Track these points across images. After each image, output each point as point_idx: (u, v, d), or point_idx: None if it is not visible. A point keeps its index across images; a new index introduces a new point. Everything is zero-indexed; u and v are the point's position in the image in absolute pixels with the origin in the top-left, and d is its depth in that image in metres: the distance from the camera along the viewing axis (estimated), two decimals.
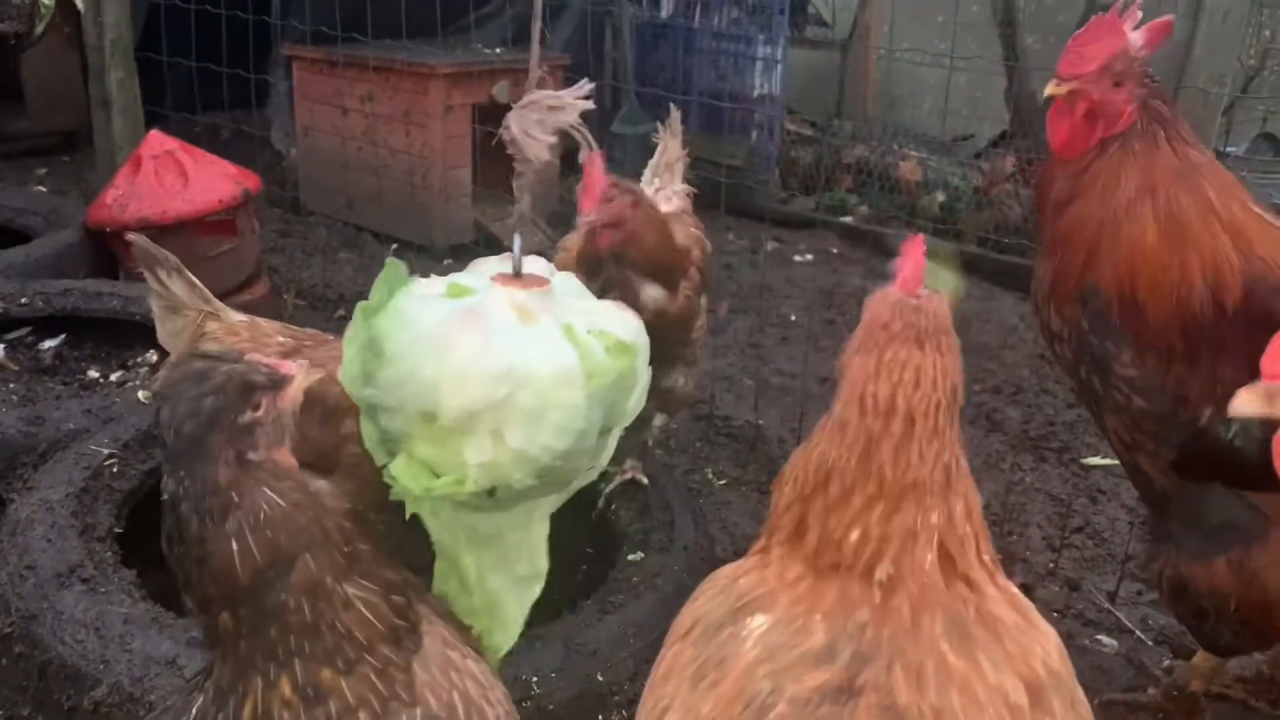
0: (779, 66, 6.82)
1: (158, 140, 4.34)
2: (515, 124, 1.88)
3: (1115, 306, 1.87)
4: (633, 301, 2.41)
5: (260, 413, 1.33)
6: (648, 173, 3.44)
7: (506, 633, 1.83)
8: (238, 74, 5.13)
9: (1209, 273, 1.83)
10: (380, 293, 1.80)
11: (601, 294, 2.35)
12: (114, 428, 2.67)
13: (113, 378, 3.50)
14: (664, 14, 7.24)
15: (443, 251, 5.49)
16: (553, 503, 1.86)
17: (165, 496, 1.28)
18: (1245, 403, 1.48)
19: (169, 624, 2.01)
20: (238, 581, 1.26)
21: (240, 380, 1.32)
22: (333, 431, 2.12)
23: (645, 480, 2.70)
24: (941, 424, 1.24)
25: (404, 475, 1.68)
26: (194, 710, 1.37)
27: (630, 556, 2.42)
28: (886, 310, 1.27)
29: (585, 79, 2.03)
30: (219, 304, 2.40)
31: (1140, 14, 1.95)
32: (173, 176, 4.22)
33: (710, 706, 1.16)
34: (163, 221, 4.15)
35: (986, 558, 1.25)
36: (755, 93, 6.88)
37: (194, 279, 2.37)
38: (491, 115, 5.38)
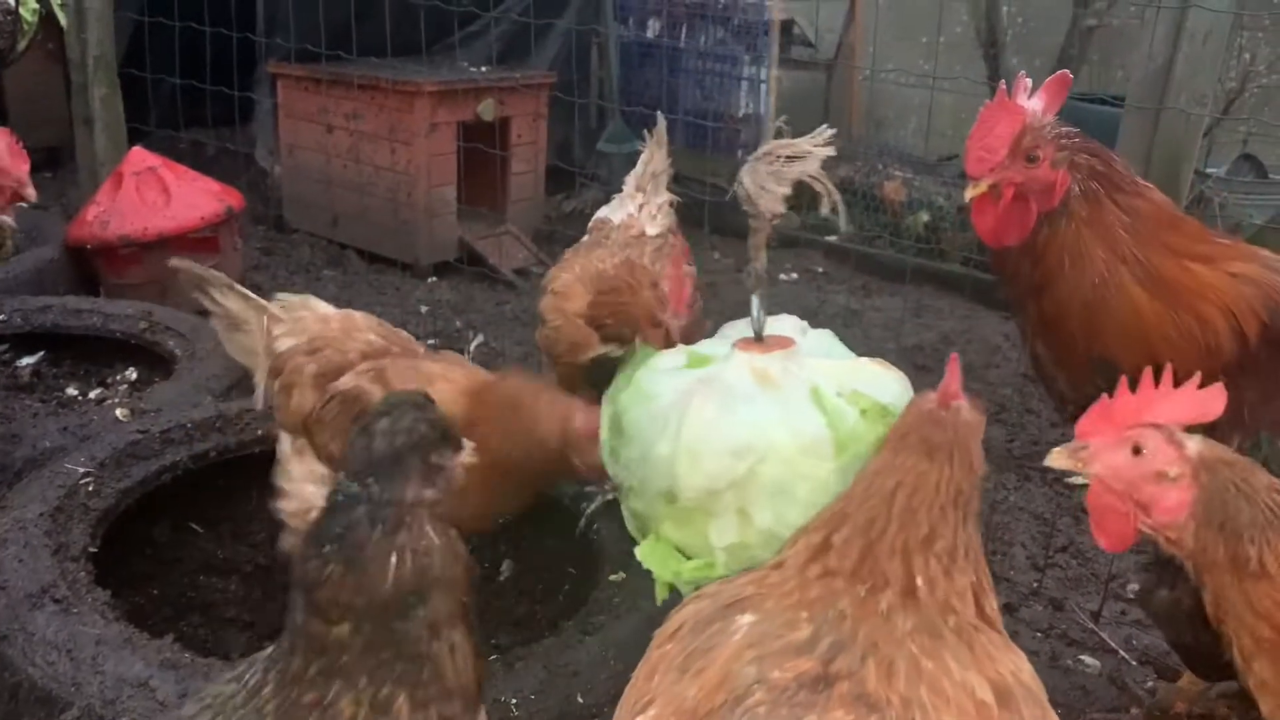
0: (764, 86, 6.85)
1: (140, 157, 4.33)
2: (748, 177, 1.82)
3: (1137, 373, 1.83)
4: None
5: (443, 461, 1.41)
6: (630, 184, 3.41)
7: None
8: (222, 91, 5.12)
9: (1230, 313, 1.79)
10: (625, 374, 1.77)
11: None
12: (91, 446, 2.64)
13: (91, 395, 3.47)
14: (650, 34, 7.27)
15: (427, 270, 5.48)
16: None
17: (340, 498, 1.34)
18: (1057, 460, 1.56)
19: (142, 645, 1.98)
20: (380, 593, 1.31)
21: (445, 426, 1.42)
22: None
23: None
24: (940, 521, 1.31)
25: (651, 559, 1.60)
26: (253, 683, 1.38)
27: (612, 577, 2.40)
28: (910, 420, 1.38)
29: (824, 124, 1.98)
30: (293, 299, 2.35)
31: (1029, 81, 1.86)
32: (155, 193, 4.21)
33: (695, 692, 1.17)
34: (144, 238, 4.13)
35: (988, 610, 1.31)
36: (740, 112, 6.91)
37: (245, 290, 2.34)
38: (477, 133, 5.40)
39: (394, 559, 1.31)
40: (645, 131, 3.41)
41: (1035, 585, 3.15)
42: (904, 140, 7.46)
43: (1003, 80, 1.91)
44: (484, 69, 5.80)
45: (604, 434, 1.73)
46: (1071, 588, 3.18)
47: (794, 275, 5.96)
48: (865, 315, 5.35)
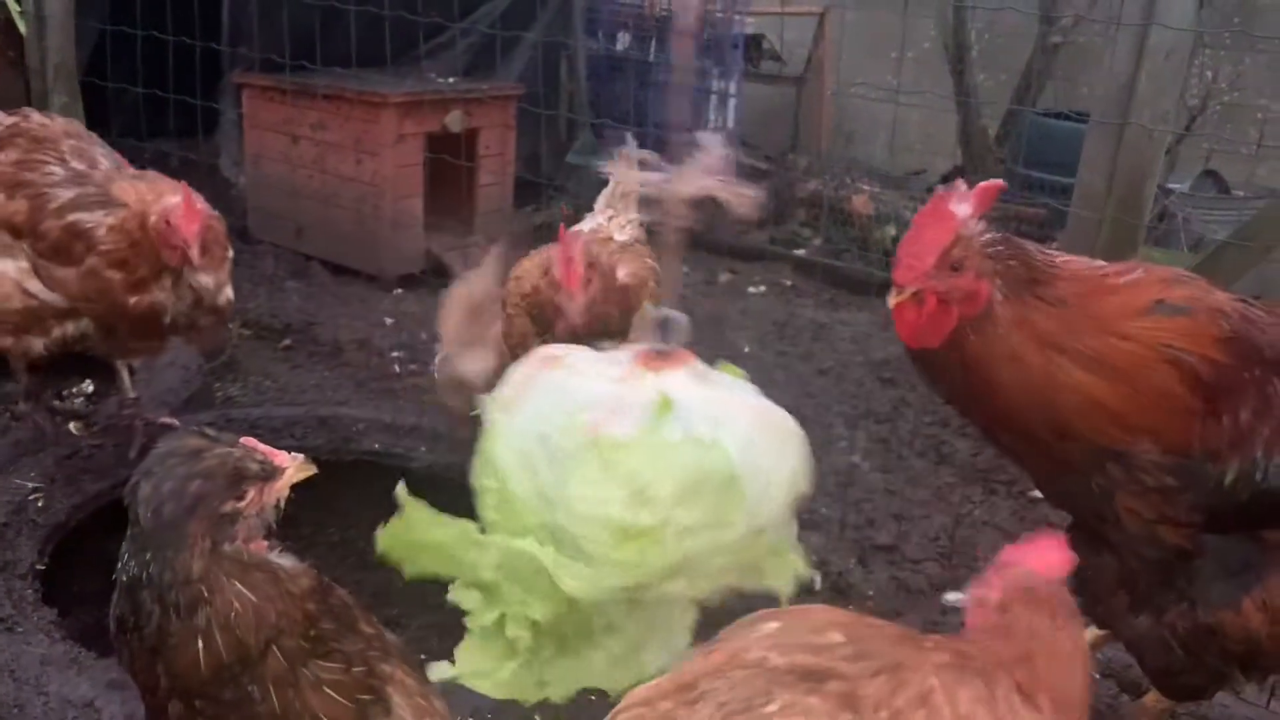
0: (733, 100, 6.87)
1: None
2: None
3: (1111, 444, 1.81)
4: None
5: (244, 503, 1.27)
6: (601, 201, 3.44)
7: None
8: (186, 101, 5.06)
9: (1179, 363, 1.78)
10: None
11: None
12: (41, 460, 2.59)
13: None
14: (619, 47, 7.28)
15: (393, 281, 5.43)
16: None
17: (125, 577, 1.21)
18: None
19: (88, 665, 1.94)
20: (198, 676, 1.20)
21: (232, 467, 1.26)
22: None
23: None
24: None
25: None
26: None
27: None
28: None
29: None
30: None
31: (964, 184, 1.87)
32: None
33: (697, 666, 1.22)
34: None
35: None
36: (710, 126, 6.91)
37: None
38: (444, 145, 5.36)
39: (200, 642, 1.18)
40: (614, 151, 3.44)
41: None
42: (872, 155, 7.51)
43: (939, 189, 1.91)
44: (451, 80, 5.77)
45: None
46: None
47: (762, 288, 5.96)
48: (833, 329, 5.35)
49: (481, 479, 1.64)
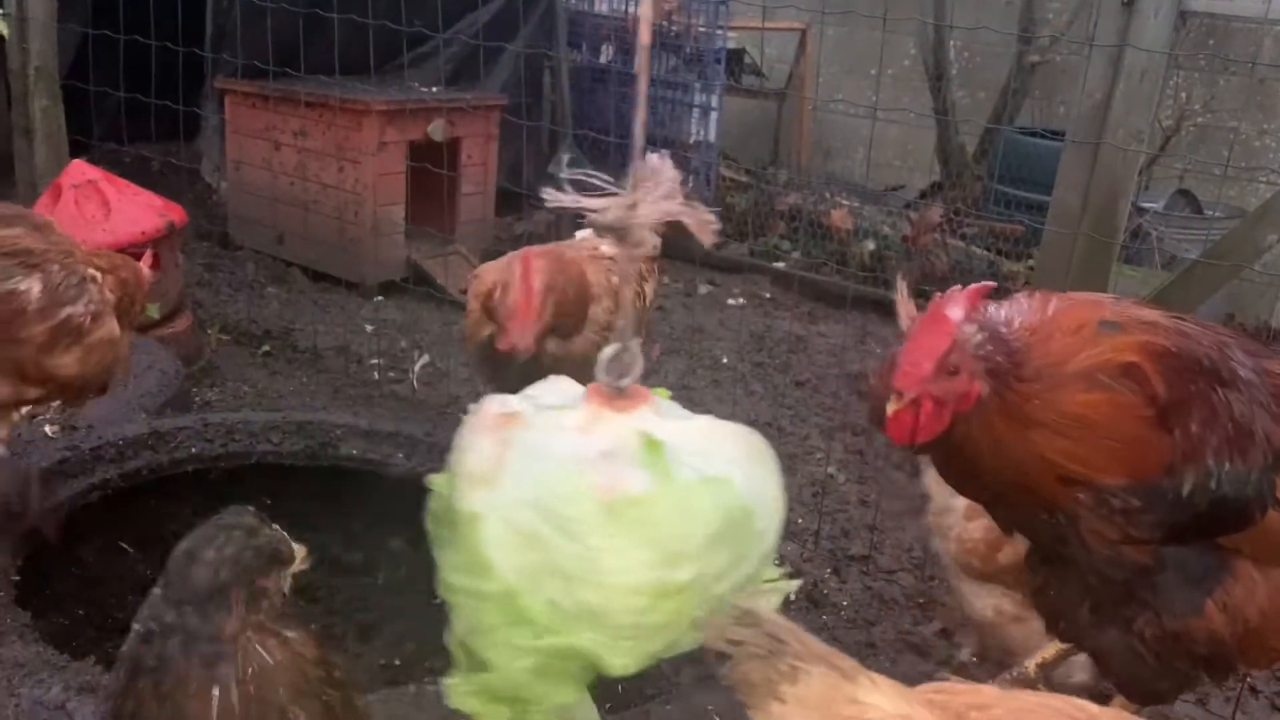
0: (714, 114, 6.92)
1: (79, 170, 4.24)
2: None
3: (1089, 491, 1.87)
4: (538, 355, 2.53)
5: (270, 583, 1.37)
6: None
7: None
8: (168, 106, 5.05)
9: (1137, 389, 1.82)
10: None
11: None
12: (16, 463, 2.58)
13: (23, 410, 3.38)
14: (602, 59, 7.32)
15: (373, 289, 5.44)
16: None
17: (151, 625, 1.28)
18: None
19: (61, 668, 1.92)
20: None
21: (273, 549, 1.38)
22: None
23: None
24: None
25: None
26: None
27: None
28: None
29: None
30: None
31: (959, 287, 1.90)
32: (94, 206, 4.12)
33: None
34: None
35: None
36: (691, 139, 6.96)
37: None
38: (426, 153, 5.38)
39: (216, 692, 1.25)
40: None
41: None
42: (851, 170, 7.57)
43: (911, 304, 1.98)
44: (435, 90, 5.79)
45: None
46: None
47: (741, 300, 6.00)
48: (811, 341, 5.39)
49: (463, 578, 1.45)
